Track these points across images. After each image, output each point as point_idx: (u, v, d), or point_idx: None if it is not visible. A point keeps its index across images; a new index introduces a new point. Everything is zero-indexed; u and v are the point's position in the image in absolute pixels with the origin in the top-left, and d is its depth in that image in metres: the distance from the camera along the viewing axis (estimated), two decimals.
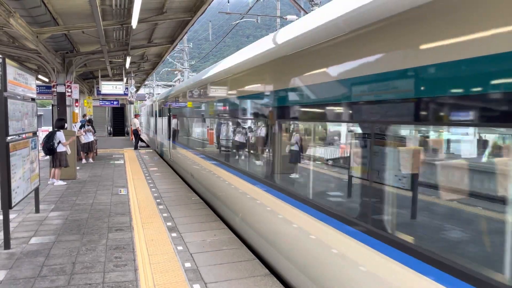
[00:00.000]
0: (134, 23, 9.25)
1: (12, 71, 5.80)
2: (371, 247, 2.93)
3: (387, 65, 2.75)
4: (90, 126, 15.83)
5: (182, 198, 8.88)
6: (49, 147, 10.23)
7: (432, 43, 2.38)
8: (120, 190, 9.76)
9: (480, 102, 2.14)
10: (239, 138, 6.50)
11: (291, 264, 4.24)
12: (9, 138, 5.62)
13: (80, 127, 15.31)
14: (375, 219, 2.96)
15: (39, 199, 7.75)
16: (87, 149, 15.41)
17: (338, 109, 3.40)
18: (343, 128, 3.64)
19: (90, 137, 15.21)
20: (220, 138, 7.73)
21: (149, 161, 16.09)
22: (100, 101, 27.51)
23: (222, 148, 7.72)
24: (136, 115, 25.99)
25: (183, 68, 35.78)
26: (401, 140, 2.98)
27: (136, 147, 21.50)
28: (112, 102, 27.64)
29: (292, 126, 4.75)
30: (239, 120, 6.45)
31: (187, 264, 4.99)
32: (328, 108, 3.58)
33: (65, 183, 10.64)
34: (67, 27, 10.66)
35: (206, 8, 9.74)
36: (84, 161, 15.26)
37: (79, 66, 15.14)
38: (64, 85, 14.14)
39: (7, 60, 5.57)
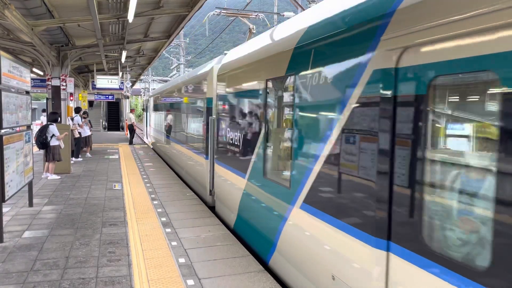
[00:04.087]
0: (130, 17, 9.19)
1: (6, 63, 5.75)
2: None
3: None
4: (88, 119, 15.79)
5: (176, 194, 8.86)
6: (42, 141, 10.15)
7: None
8: (115, 185, 9.72)
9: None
10: None
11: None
12: (2, 131, 5.58)
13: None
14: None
15: (33, 193, 7.71)
16: (85, 143, 15.29)
17: None
18: None
19: (87, 131, 15.09)
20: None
21: (144, 156, 16.04)
22: (95, 96, 27.34)
23: None
24: (132, 110, 24.75)
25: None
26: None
27: (131, 142, 21.41)
28: (107, 96, 27.48)
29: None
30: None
31: (181, 260, 4.99)
32: None
33: (59, 177, 10.59)
34: (63, 20, 10.58)
35: (203, 3, 9.70)
36: (88, 155, 15.31)
37: (74, 60, 15.03)
38: (59, 78, 14.05)
39: (2, 53, 5.53)
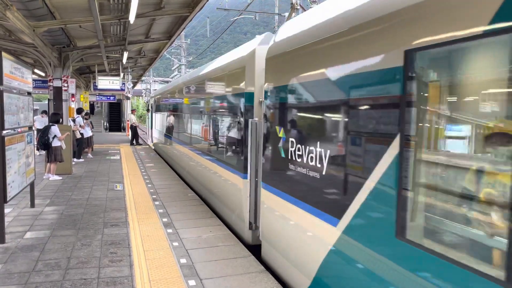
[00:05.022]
0: (132, 18, 9.21)
1: (8, 64, 5.76)
2: None
3: None
4: (89, 120, 15.93)
5: (178, 194, 8.87)
6: (44, 141, 10.19)
7: None
8: (116, 186, 9.74)
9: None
10: None
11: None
12: (4, 132, 5.59)
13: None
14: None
15: (35, 194, 7.72)
16: (86, 144, 15.39)
17: None
18: None
19: (89, 132, 15.21)
20: None
21: (145, 157, 16.05)
22: (97, 96, 27.39)
23: None
24: (133, 111, 24.33)
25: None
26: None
27: (132, 143, 21.42)
28: (108, 97, 27.53)
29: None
30: None
31: (183, 260, 5.00)
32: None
33: (61, 178, 10.61)
34: (64, 21, 10.61)
35: (204, 4, 9.71)
36: (90, 155, 15.37)
37: (76, 61, 15.07)
38: (61, 79, 14.09)
39: (3, 54, 5.54)
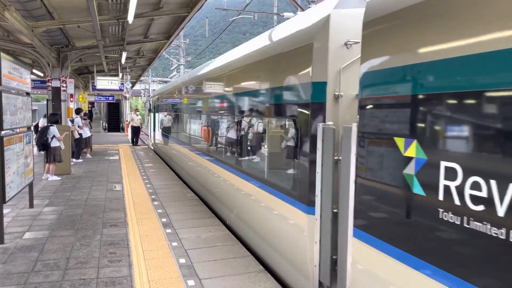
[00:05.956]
0: (130, 18, 9.20)
1: (6, 65, 5.76)
2: None
3: None
4: (88, 120, 15.94)
5: (177, 195, 8.87)
6: (43, 142, 10.18)
7: None
8: (115, 186, 9.73)
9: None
10: None
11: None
12: (3, 132, 5.59)
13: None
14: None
15: (33, 194, 7.72)
16: (85, 144, 15.39)
17: None
18: None
19: (87, 132, 15.21)
20: None
21: (144, 157, 16.05)
22: (96, 97, 27.38)
23: None
24: (136, 110, 22.74)
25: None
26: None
27: (132, 143, 21.39)
28: (107, 97, 27.52)
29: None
30: None
31: (182, 260, 5.00)
32: None
33: (60, 178, 10.60)
34: (63, 21, 10.61)
35: (203, 4, 9.71)
36: (88, 156, 15.37)
37: (75, 61, 15.05)
38: (59, 79, 14.06)
39: (2, 54, 5.53)
